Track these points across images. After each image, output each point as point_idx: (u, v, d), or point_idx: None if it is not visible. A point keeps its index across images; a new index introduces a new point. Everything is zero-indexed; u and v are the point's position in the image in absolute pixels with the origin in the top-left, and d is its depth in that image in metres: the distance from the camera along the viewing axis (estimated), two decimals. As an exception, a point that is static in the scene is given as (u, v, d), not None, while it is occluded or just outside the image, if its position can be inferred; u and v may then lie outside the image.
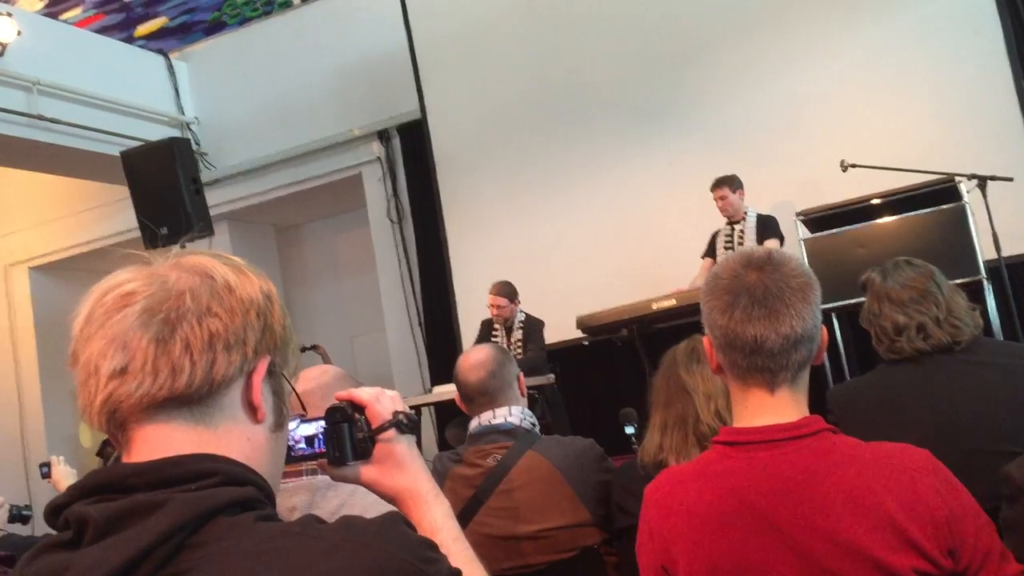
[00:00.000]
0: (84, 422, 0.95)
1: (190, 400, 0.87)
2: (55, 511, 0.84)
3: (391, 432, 1.13)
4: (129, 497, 0.81)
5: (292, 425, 1.08)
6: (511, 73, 6.88)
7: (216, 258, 0.94)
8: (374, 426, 1.13)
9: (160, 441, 0.87)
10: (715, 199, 5.49)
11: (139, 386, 0.85)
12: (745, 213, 5.47)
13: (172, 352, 0.85)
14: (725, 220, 5.54)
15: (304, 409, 1.07)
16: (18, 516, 3.76)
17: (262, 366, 0.92)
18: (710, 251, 5.64)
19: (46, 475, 3.75)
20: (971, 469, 1.47)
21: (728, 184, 5.44)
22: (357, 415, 1.13)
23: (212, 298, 0.89)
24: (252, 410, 0.92)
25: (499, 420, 2.31)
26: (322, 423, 1.13)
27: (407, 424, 1.14)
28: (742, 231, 5.45)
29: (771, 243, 5.21)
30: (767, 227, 5.39)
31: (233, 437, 0.90)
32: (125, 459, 0.88)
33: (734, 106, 6.10)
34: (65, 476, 3.63)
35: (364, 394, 1.15)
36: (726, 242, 5.52)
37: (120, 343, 0.85)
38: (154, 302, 0.87)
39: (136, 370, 0.85)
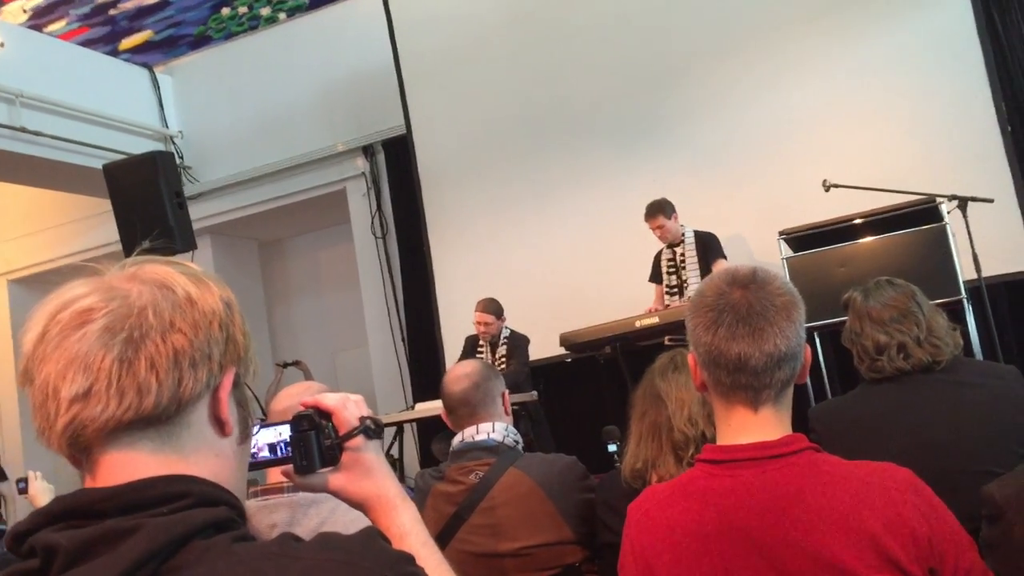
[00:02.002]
0: (41, 444, 0.90)
1: (157, 420, 0.84)
2: (18, 538, 0.81)
3: (359, 439, 1.11)
4: (99, 523, 0.78)
5: (255, 429, 1.06)
6: (496, 89, 6.90)
7: (172, 267, 0.90)
8: (341, 433, 1.11)
9: (127, 464, 0.84)
10: (652, 229, 5.49)
11: (104, 409, 0.82)
12: (683, 234, 5.49)
13: (137, 372, 0.82)
14: (665, 244, 5.56)
15: (264, 414, 1.05)
16: None
17: (227, 380, 0.90)
18: (656, 276, 5.65)
19: (23, 491, 3.70)
20: (952, 488, 1.48)
21: (662, 212, 5.43)
22: (324, 422, 1.11)
23: (175, 312, 0.85)
24: (220, 425, 0.90)
25: (482, 436, 2.30)
26: (284, 427, 1.11)
27: (374, 429, 1.13)
28: (683, 253, 5.47)
29: (719, 264, 5.24)
30: (708, 246, 5.41)
31: (201, 455, 0.88)
32: (89, 483, 0.85)
33: (718, 125, 6.13)
34: (42, 492, 3.58)
35: (330, 400, 1.12)
36: (668, 266, 5.54)
37: (81, 364, 0.82)
38: (115, 319, 0.83)
39: (100, 392, 0.82)
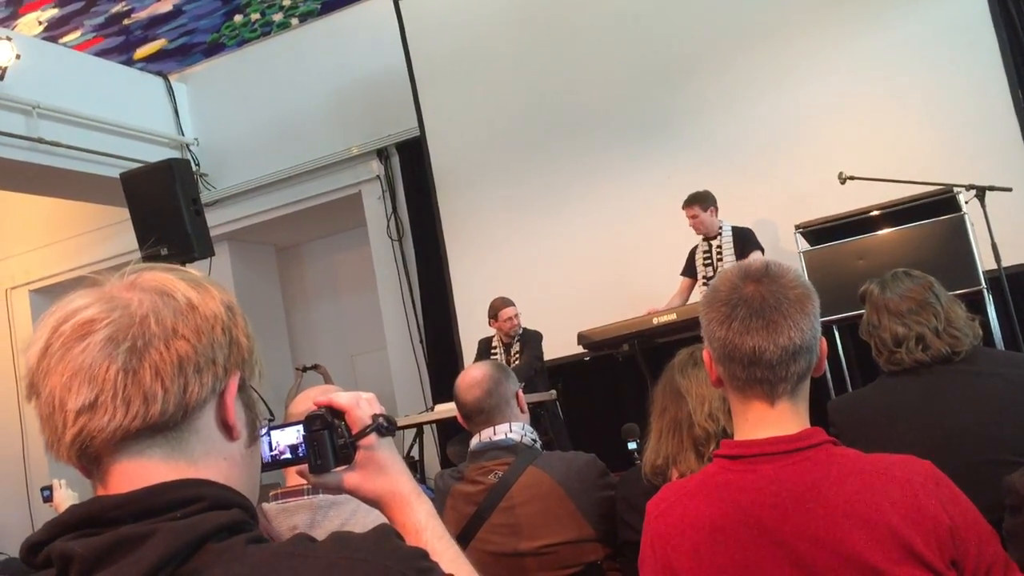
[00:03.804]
0: (51, 456, 0.90)
1: (164, 427, 0.85)
2: (33, 548, 0.82)
3: (372, 436, 1.12)
4: (114, 530, 0.79)
5: (263, 431, 1.06)
6: (509, 90, 6.90)
7: (172, 273, 0.91)
8: (354, 431, 1.12)
9: (138, 472, 0.84)
10: (687, 217, 5.50)
11: (111, 419, 0.82)
12: (720, 228, 5.49)
13: (143, 380, 0.83)
14: (701, 237, 5.56)
15: (271, 414, 1.06)
16: None
17: (233, 384, 0.90)
18: (688, 270, 5.65)
19: (48, 499, 3.73)
20: (973, 479, 1.46)
21: (699, 203, 5.45)
22: (337, 421, 1.11)
23: (177, 319, 0.86)
24: (227, 429, 0.90)
25: (500, 436, 2.31)
26: (300, 428, 1.12)
27: (387, 427, 1.13)
28: (719, 246, 5.46)
29: (754, 255, 5.23)
30: (745, 239, 5.40)
31: (211, 460, 0.88)
32: (101, 492, 0.85)
33: (732, 120, 6.11)
34: (67, 499, 3.61)
35: (343, 399, 1.13)
36: (704, 259, 5.54)
37: (86, 376, 0.82)
38: (117, 329, 0.83)
39: (107, 403, 0.82)
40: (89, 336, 0.83)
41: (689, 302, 5.47)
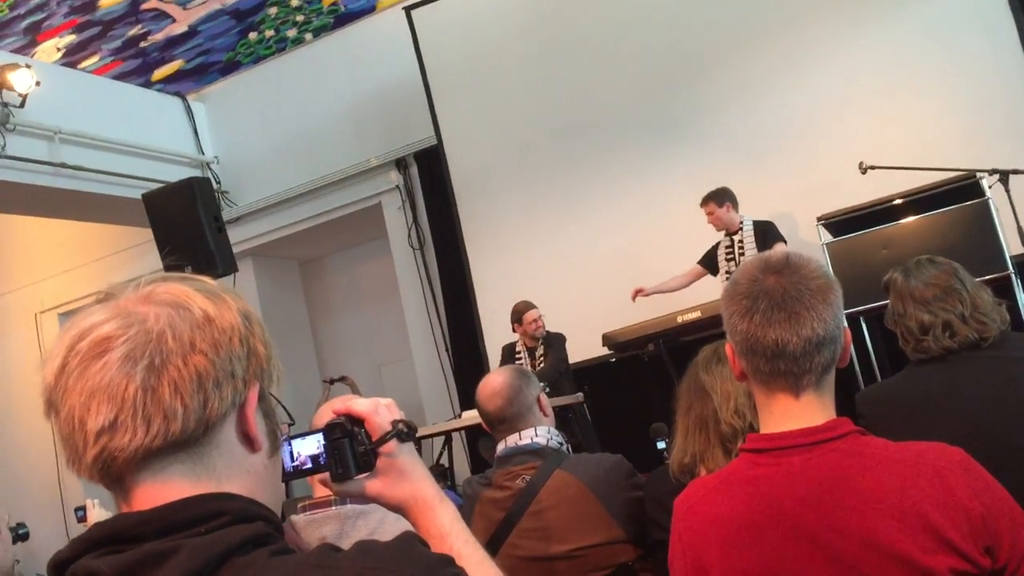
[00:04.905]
0: (73, 473, 0.89)
1: (186, 444, 0.84)
2: (60, 566, 0.81)
3: (392, 443, 1.11)
4: (139, 547, 0.79)
5: (283, 439, 1.06)
6: (524, 94, 6.90)
7: (188, 284, 0.89)
8: (375, 438, 1.11)
9: (160, 489, 0.84)
10: (705, 214, 5.53)
11: (132, 438, 0.82)
12: (741, 223, 5.48)
13: (162, 398, 0.82)
14: (723, 232, 5.55)
15: (291, 418, 1.06)
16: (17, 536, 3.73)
17: (253, 396, 0.89)
18: (706, 261, 5.66)
19: (82, 519, 3.74)
20: (1004, 466, 1.44)
21: (714, 199, 5.47)
22: (356, 428, 1.11)
23: (194, 333, 0.85)
24: (249, 442, 0.89)
25: (525, 441, 2.30)
26: (320, 436, 1.11)
27: (407, 433, 1.12)
28: (741, 241, 5.46)
29: (778, 247, 5.21)
30: (767, 233, 5.40)
31: (233, 472, 0.88)
32: (125, 510, 0.85)
33: (750, 113, 6.09)
34: (100, 519, 3.62)
35: (361, 406, 1.12)
36: (727, 254, 5.54)
37: (105, 395, 0.81)
38: (134, 346, 0.82)
39: (127, 422, 0.81)
40: (106, 354, 0.82)
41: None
